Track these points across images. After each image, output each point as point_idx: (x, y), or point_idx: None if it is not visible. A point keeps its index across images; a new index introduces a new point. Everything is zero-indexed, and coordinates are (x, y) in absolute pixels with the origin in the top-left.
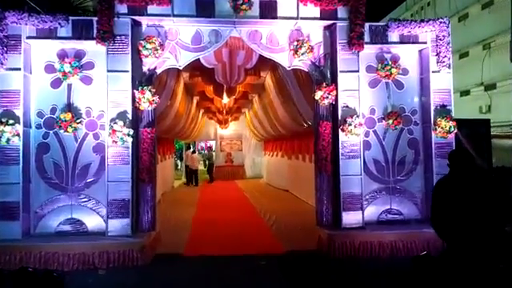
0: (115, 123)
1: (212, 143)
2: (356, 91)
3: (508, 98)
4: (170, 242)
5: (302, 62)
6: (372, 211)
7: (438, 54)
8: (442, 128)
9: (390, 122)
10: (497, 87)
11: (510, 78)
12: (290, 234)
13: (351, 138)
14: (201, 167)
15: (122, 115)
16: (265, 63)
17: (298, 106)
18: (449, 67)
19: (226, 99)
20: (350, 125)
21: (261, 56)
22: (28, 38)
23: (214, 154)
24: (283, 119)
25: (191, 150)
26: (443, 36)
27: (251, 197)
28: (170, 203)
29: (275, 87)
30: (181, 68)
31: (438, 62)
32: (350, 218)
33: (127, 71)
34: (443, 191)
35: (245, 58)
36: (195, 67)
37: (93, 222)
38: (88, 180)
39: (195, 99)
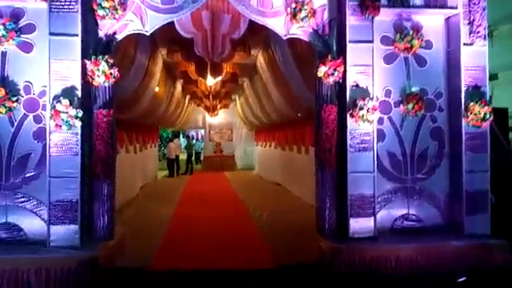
0: (58, 102)
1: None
2: (369, 67)
3: (510, 89)
4: (136, 252)
5: (302, 30)
6: (385, 217)
7: (470, 23)
8: (474, 115)
9: (410, 106)
10: (499, 77)
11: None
12: (284, 239)
13: (362, 126)
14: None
15: (68, 92)
16: (256, 37)
17: (294, 87)
18: (484, 38)
19: (210, 81)
20: (361, 109)
21: (251, 26)
22: None
23: (194, 142)
24: (277, 104)
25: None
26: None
27: (240, 191)
28: (148, 198)
29: (268, 67)
30: (148, 33)
31: (470, 33)
32: (359, 225)
33: (76, 35)
34: None
35: (230, 24)
36: (174, 40)
37: (33, 227)
38: (27, 175)
39: (179, 82)
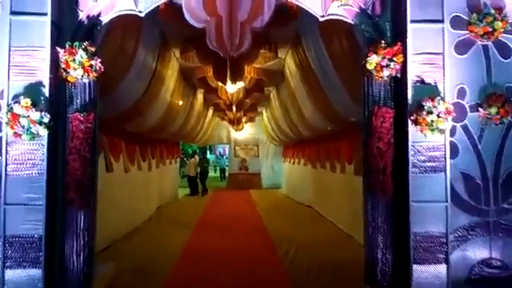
0: (17, 103)
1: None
2: (439, 56)
3: None
4: None
5: (344, 9)
6: (458, 262)
7: None
8: None
9: (493, 111)
10: None
11: None
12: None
13: (430, 137)
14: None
15: (32, 90)
16: (283, 32)
17: (331, 94)
18: None
19: (231, 87)
20: (429, 113)
21: (277, 18)
22: None
23: (212, 158)
24: (308, 116)
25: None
26: None
27: (266, 214)
28: (162, 221)
29: (298, 70)
30: (142, 15)
31: None
32: (426, 275)
33: (45, 14)
34: None
35: (251, 9)
36: (188, 38)
37: None
38: None
39: (200, 92)
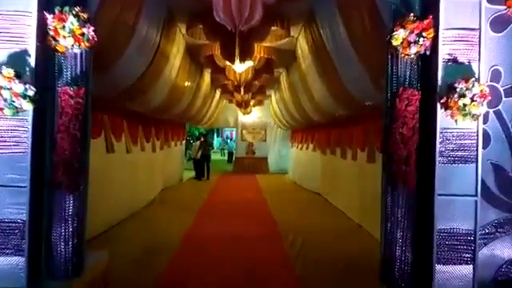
0: None
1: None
2: (475, 32)
3: None
4: None
5: None
6: (485, 262)
7: None
8: None
9: None
10: None
11: None
12: (327, 281)
13: (461, 124)
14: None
15: (16, 59)
16: (297, 6)
17: (346, 75)
18: None
19: (239, 66)
20: (461, 96)
21: None
22: None
23: (210, 142)
24: (319, 99)
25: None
26: None
27: (272, 201)
28: (165, 205)
29: (311, 50)
30: None
31: None
32: (450, 275)
33: None
34: None
35: None
36: (195, 13)
37: None
38: None
39: (207, 73)
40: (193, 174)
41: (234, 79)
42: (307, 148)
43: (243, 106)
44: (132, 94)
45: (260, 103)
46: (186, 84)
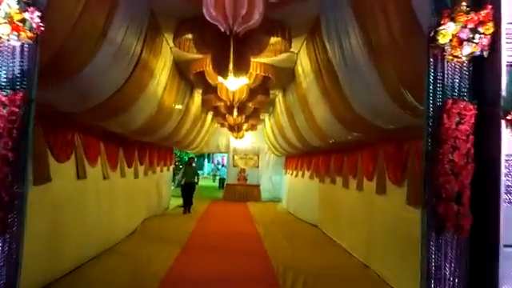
0: None
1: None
2: None
3: None
4: None
5: None
6: None
7: None
8: None
9: None
10: None
11: None
12: None
13: None
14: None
15: None
16: (300, 17)
17: (356, 92)
18: None
19: (233, 83)
20: None
21: None
22: None
23: (195, 169)
24: (321, 121)
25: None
26: None
27: (265, 234)
28: (147, 238)
29: (314, 66)
30: None
31: None
32: None
33: None
34: None
35: None
36: (183, 20)
37: None
38: None
39: (198, 93)
40: (181, 201)
41: (227, 99)
42: (303, 175)
43: (236, 129)
44: (107, 110)
45: (253, 128)
46: (174, 104)
